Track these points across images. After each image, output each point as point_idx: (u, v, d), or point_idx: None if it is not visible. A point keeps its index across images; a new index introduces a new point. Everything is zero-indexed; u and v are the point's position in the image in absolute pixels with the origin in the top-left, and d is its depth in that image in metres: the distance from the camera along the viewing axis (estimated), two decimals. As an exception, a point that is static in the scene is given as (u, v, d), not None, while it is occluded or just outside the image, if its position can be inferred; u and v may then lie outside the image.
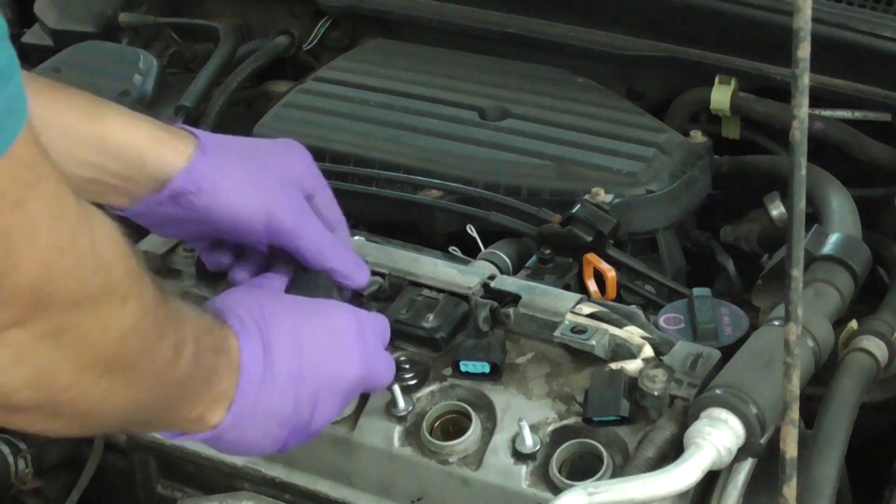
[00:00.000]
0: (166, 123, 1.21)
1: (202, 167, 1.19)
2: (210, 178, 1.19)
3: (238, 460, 1.36)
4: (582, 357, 1.27)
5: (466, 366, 1.26)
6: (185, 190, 1.18)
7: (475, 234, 1.51)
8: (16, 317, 0.82)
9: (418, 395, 1.28)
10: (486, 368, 1.26)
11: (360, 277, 1.28)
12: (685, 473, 1.10)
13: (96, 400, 0.93)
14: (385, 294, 1.35)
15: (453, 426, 1.26)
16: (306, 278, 1.27)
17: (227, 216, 1.20)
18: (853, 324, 1.34)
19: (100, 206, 1.18)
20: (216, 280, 1.42)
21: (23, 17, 2.19)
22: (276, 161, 1.25)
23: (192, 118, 1.79)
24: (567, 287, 1.40)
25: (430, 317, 1.30)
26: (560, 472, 1.19)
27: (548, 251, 1.45)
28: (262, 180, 1.23)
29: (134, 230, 1.48)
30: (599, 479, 1.16)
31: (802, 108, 0.78)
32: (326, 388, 1.14)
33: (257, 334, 1.10)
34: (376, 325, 1.22)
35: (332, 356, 1.15)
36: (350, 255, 1.29)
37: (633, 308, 1.33)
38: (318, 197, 1.28)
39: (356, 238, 1.45)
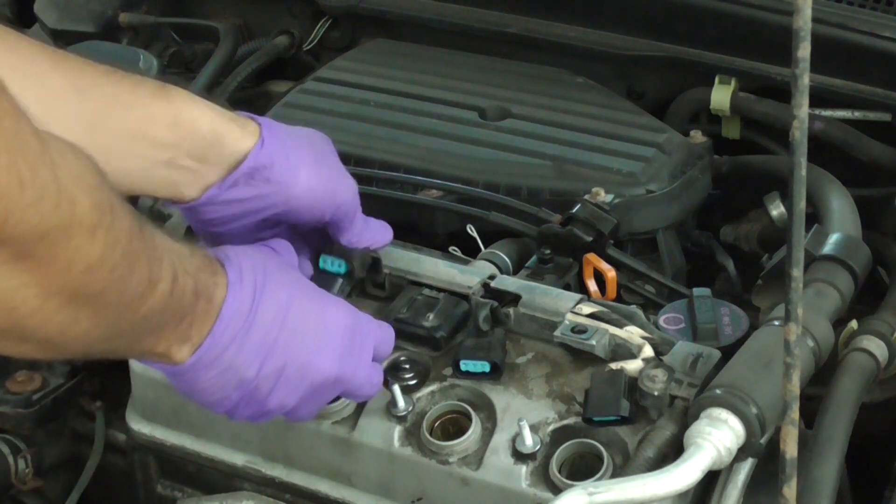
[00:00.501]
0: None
1: (274, 143, 1.22)
2: (283, 154, 1.22)
3: (238, 460, 1.37)
4: (582, 357, 1.27)
5: (466, 365, 1.26)
6: (261, 164, 1.21)
7: (475, 234, 1.51)
8: None
9: (418, 394, 1.28)
10: (487, 368, 1.26)
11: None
12: (685, 473, 1.10)
13: (61, 327, 0.93)
14: (385, 294, 1.35)
15: (453, 426, 1.26)
16: (323, 278, 1.28)
17: (302, 190, 1.23)
18: (853, 324, 1.34)
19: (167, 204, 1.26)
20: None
21: (23, 17, 2.19)
22: (326, 146, 1.30)
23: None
24: (567, 287, 1.40)
25: (431, 316, 1.30)
26: (560, 472, 1.19)
27: (548, 251, 1.45)
28: (326, 159, 1.28)
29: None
30: (599, 479, 1.16)
31: (802, 108, 0.78)
32: (294, 371, 1.14)
33: (250, 292, 1.10)
34: (374, 334, 1.21)
35: (310, 344, 1.14)
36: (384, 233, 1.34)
37: (633, 308, 1.33)
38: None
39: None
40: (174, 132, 1.18)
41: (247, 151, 1.21)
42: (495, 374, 1.27)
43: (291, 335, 1.13)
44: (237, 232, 1.25)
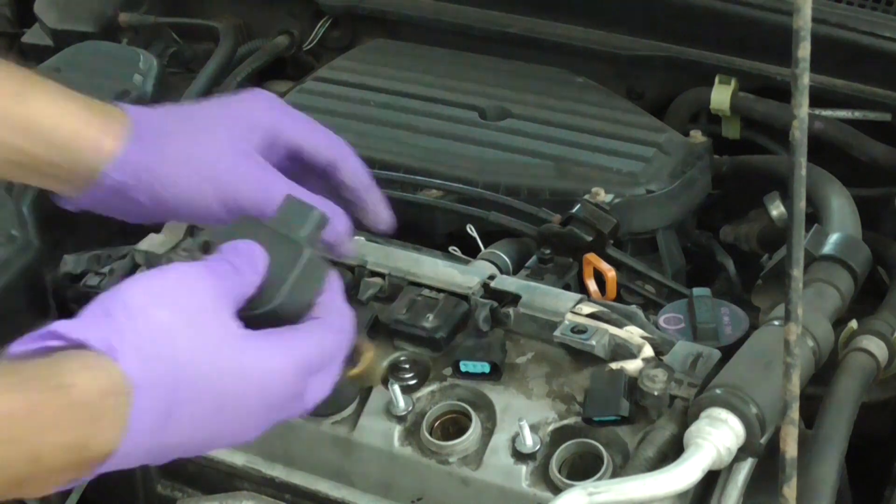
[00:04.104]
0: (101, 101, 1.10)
1: (135, 156, 1.07)
2: (147, 167, 1.08)
3: (238, 460, 1.36)
4: (582, 357, 1.27)
5: (466, 366, 1.26)
6: (121, 184, 1.07)
7: (475, 234, 1.51)
8: None
9: (418, 394, 1.28)
10: (486, 368, 1.26)
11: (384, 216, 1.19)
12: (685, 473, 1.10)
13: None
14: (385, 294, 1.35)
15: (453, 426, 1.26)
16: (294, 209, 1.05)
17: (179, 207, 1.09)
18: (853, 324, 1.33)
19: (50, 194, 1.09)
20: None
21: (23, 17, 2.19)
22: (228, 123, 1.11)
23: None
24: (567, 287, 1.40)
25: (430, 317, 1.30)
26: (560, 472, 1.19)
27: (548, 251, 1.45)
28: (208, 154, 1.09)
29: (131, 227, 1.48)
30: (599, 479, 1.16)
31: (802, 108, 0.78)
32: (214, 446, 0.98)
33: (161, 416, 0.90)
34: (327, 354, 1.02)
35: (237, 427, 0.97)
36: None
37: (633, 308, 1.33)
38: (308, 148, 1.15)
39: (356, 238, 1.44)
40: (25, 139, 1.06)
41: (107, 164, 1.07)
42: (495, 374, 1.27)
43: (212, 436, 0.95)
44: (158, 221, 1.14)
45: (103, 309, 0.91)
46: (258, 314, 0.98)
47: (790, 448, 0.89)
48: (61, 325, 0.88)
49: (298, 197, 1.05)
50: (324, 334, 1.00)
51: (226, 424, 0.95)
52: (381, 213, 1.19)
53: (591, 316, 1.29)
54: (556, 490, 1.18)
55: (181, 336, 0.91)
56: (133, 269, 1.50)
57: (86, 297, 1.58)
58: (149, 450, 0.91)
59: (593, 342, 1.25)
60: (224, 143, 1.09)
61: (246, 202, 1.08)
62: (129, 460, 0.90)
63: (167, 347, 0.90)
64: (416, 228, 1.59)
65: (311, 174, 1.16)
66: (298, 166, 1.15)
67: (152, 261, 1.43)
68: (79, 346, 0.87)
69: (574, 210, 1.46)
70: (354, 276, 1.37)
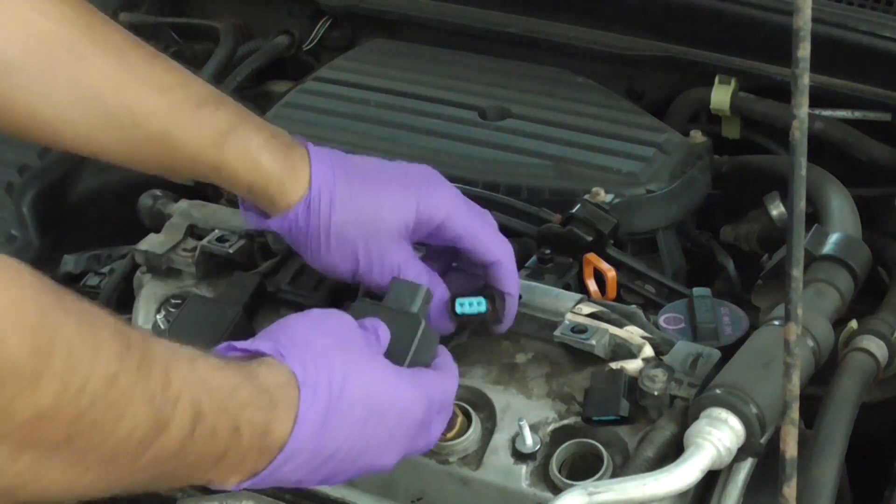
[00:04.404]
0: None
1: (303, 212, 1.22)
2: (314, 224, 1.22)
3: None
4: (582, 357, 1.27)
5: (462, 305, 1.26)
6: (299, 226, 1.22)
7: (475, 234, 1.51)
8: None
9: (418, 394, 1.28)
10: (483, 306, 1.25)
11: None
12: (685, 473, 1.10)
13: (23, 477, 0.84)
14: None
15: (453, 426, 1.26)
16: (403, 288, 1.21)
17: (325, 262, 1.24)
18: (853, 324, 1.34)
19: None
20: (217, 279, 1.42)
21: (23, 17, 2.19)
22: (401, 204, 1.25)
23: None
24: (567, 287, 1.40)
25: (430, 316, 1.30)
26: (560, 471, 1.19)
27: (548, 251, 1.45)
28: (374, 233, 1.24)
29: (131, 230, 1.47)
30: (599, 479, 1.17)
31: (802, 108, 0.78)
32: (354, 471, 1.09)
33: (320, 419, 1.02)
34: (445, 409, 1.16)
35: (377, 450, 1.08)
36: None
37: (633, 308, 1.33)
38: (469, 247, 1.28)
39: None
40: (217, 177, 1.22)
41: (292, 204, 1.21)
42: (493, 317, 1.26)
43: (359, 450, 1.06)
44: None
45: (269, 334, 1.06)
46: None
47: (790, 448, 0.89)
48: (237, 343, 1.03)
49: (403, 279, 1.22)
50: (444, 381, 1.15)
51: (369, 441, 1.06)
52: (505, 321, 1.28)
53: (591, 316, 1.29)
54: (556, 490, 1.18)
55: (336, 357, 1.04)
56: (133, 270, 1.50)
57: (85, 297, 1.59)
58: (307, 458, 1.02)
59: (593, 342, 1.25)
60: (392, 229, 1.24)
61: (373, 284, 1.25)
62: (292, 464, 1.01)
63: (325, 365, 1.03)
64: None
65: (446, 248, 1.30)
66: (440, 240, 1.28)
67: (152, 261, 1.43)
68: (254, 354, 1.02)
69: (574, 210, 1.46)
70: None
